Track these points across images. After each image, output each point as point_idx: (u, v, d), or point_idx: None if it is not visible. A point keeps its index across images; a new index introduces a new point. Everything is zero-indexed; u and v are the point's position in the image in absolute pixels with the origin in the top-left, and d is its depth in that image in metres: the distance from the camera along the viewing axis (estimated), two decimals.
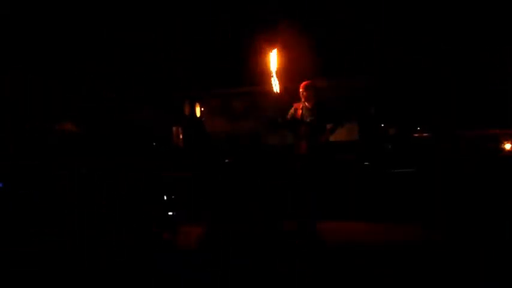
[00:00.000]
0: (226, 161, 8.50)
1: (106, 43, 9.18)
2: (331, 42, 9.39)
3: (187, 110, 10.75)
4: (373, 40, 9.61)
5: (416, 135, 9.26)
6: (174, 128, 10.33)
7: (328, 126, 5.46)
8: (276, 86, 5.33)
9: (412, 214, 5.56)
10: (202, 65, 10.77)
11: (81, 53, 8.73)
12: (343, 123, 5.56)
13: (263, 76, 5.38)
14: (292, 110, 5.52)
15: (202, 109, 10.67)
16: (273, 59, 5.23)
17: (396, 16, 9.44)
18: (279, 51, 5.27)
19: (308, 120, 5.39)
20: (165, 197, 5.46)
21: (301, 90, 5.47)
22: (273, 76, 5.28)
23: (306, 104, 5.45)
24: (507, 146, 7.36)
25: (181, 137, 10.31)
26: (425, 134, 9.20)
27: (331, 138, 5.61)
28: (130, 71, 9.47)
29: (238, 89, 10.39)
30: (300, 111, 5.46)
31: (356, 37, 9.76)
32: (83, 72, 8.74)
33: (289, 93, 5.50)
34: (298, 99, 5.51)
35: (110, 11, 9.18)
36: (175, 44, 10.37)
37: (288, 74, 5.44)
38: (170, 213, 5.66)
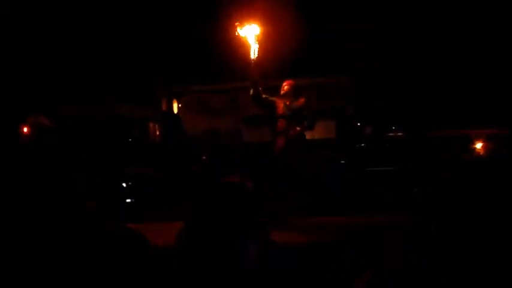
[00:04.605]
0: (204, 157, 8.48)
1: (85, 41, 9.05)
2: (312, 42, 9.50)
3: (164, 107, 10.67)
4: (353, 41, 9.77)
5: (391, 134, 9.44)
6: (151, 125, 10.24)
7: (306, 123, 5.51)
8: (254, 53, 5.27)
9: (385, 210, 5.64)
10: (180, 61, 10.70)
11: (61, 50, 8.59)
12: (316, 120, 5.60)
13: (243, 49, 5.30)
14: (273, 99, 5.54)
15: (179, 106, 10.61)
16: (255, 29, 5.21)
17: (376, 19, 9.60)
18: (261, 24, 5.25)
19: (285, 115, 5.44)
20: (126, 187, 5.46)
21: (284, 85, 5.51)
22: (251, 45, 5.21)
23: (285, 100, 5.49)
24: (478, 146, 7.56)
25: (158, 133, 10.24)
26: (399, 134, 9.39)
27: (309, 136, 5.67)
28: (109, 67, 9.35)
29: (216, 86, 10.38)
30: (280, 106, 5.49)
31: (336, 38, 9.90)
32: (61, 68, 8.60)
33: (262, 65, 5.48)
34: (276, 94, 5.56)
35: (89, 10, 9.07)
36: (153, 41, 10.29)
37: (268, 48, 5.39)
38: (128, 200, 5.64)
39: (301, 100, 5.56)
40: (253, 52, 5.20)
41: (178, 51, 10.69)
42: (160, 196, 6.91)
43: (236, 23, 5.19)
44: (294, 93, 5.56)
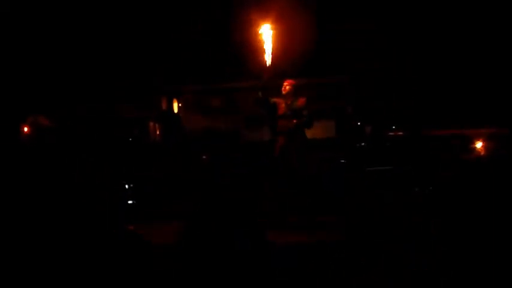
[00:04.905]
0: (204, 157, 8.48)
1: (85, 41, 9.06)
2: (312, 42, 9.50)
3: (164, 106, 10.68)
4: (353, 41, 9.78)
5: (391, 133, 9.44)
6: (151, 125, 10.25)
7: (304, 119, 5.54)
8: (268, 57, 5.29)
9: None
10: (180, 61, 10.70)
11: (61, 50, 8.60)
12: (313, 117, 5.61)
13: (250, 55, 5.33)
14: (274, 100, 5.55)
15: (179, 105, 10.61)
16: (268, 31, 5.21)
17: (376, 19, 9.61)
18: (273, 25, 5.22)
19: (285, 115, 5.45)
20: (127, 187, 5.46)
21: (285, 85, 5.52)
22: (265, 48, 5.22)
23: (286, 100, 5.50)
24: (478, 146, 7.56)
25: (158, 133, 10.24)
26: (399, 133, 9.40)
27: (309, 135, 5.68)
28: (109, 67, 9.35)
29: (216, 86, 10.38)
30: (281, 106, 5.51)
31: (336, 37, 9.91)
32: (61, 68, 8.61)
33: (276, 71, 5.48)
34: (278, 94, 5.56)
35: (89, 10, 9.07)
36: (153, 41, 10.29)
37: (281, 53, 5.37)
38: (130, 201, 5.64)
39: (302, 100, 5.57)
40: (268, 54, 5.25)
41: (178, 51, 10.68)
42: (160, 196, 6.91)
43: (258, 24, 5.21)
44: (294, 93, 5.58)
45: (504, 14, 8.79)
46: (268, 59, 5.29)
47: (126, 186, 5.82)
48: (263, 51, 5.27)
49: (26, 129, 4.98)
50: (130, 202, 6.09)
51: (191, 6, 10.45)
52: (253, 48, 5.43)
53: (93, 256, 1.57)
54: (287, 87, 5.56)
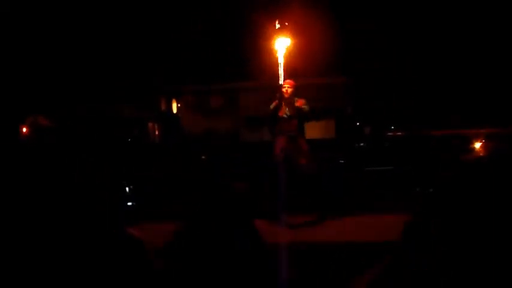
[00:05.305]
0: (204, 157, 8.48)
1: (85, 42, 9.06)
2: (311, 43, 9.51)
3: (163, 107, 10.67)
4: (353, 41, 9.80)
5: (391, 133, 9.45)
6: (150, 125, 10.25)
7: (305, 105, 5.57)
8: (281, 76, 5.29)
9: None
10: (180, 61, 10.71)
11: (61, 51, 8.61)
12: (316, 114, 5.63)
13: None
14: (274, 104, 5.56)
15: (179, 105, 10.61)
16: (282, 43, 5.18)
17: (376, 19, 9.62)
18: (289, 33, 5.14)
19: (286, 116, 5.44)
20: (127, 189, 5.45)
21: (288, 87, 5.52)
22: (279, 64, 5.21)
23: (288, 101, 5.50)
24: (478, 146, 7.56)
25: (157, 133, 10.24)
26: (399, 133, 9.40)
27: (309, 136, 5.69)
28: (109, 68, 9.36)
29: (216, 85, 10.38)
30: (282, 108, 5.51)
31: (335, 39, 9.93)
32: (61, 68, 8.62)
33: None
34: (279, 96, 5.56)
35: (89, 10, 9.08)
36: (153, 41, 10.29)
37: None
38: (129, 203, 5.64)
39: (301, 101, 5.57)
40: (282, 76, 5.23)
41: (178, 51, 10.69)
42: (160, 196, 6.91)
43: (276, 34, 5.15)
44: (295, 93, 5.58)
45: (504, 14, 8.79)
46: (281, 79, 5.28)
47: (127, 188, 5.80)
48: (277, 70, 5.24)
49: (25, 129, 4.97)
50: (130, 204, 6.09)
51: (191, 6, 10.45)
52: (253, 49, 5.42)
53: (93, 256, 1.57)
54: (289, 90, 5.55)
